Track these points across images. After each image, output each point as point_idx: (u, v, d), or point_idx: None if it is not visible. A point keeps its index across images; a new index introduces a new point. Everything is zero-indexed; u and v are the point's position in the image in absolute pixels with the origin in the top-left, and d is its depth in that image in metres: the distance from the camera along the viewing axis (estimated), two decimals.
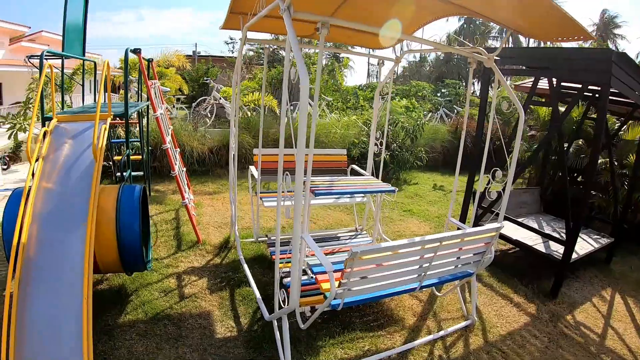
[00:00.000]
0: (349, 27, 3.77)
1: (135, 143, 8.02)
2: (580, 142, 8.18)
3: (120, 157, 7.64)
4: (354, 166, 5.93)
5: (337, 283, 3.12)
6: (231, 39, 17.45)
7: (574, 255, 5.68)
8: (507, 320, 4.85)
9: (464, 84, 28.27)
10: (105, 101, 5.20)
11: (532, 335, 4.60)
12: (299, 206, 2.91)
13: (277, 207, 3.54)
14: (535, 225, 6.77)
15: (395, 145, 10.12)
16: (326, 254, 4.79)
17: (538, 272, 6.04)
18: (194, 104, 11.73)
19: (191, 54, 23.54)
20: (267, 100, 10.12)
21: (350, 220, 7.37)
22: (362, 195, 5.65)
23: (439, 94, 19.85)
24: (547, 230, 6.57)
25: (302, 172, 2.74)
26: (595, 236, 6.77)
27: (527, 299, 5.35)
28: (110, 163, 7.73)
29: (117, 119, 6.53)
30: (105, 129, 4.53)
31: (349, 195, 5.54)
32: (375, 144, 5.72)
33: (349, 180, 5.00)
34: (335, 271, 3.04)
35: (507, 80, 4.49)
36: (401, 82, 33.58)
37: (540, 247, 5.79)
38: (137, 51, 5.77)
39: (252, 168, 5.61)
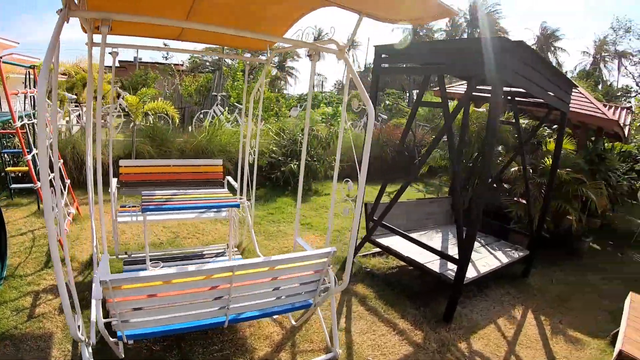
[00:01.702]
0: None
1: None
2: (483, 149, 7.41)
3: (15, 169, 6.88)
4: (229, 178, 5.17)
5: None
6: (164, 44, 16.85)
7: (473, 274, 4.88)
8: (382, 352, 4.03)
9: (407, 94, 27.55)
10: None
11: None
12: (51, 224, 2.27)
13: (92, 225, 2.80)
14: (439, 238, 5.98)
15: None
16: None
17: (437, 293, 5.19)
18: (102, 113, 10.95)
19: (132, 59, 22.83)
20: (164, 108, 9.23)
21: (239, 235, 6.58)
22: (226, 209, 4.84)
23: (381, 104, 19.10)
24: (451, 244, 5.78)
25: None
26: (508, 249, 5.97)
27: (415, 324, 4.53)
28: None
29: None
30: None
31: (214, 210, 4.71)
32: (250, 153, 4.96)
33: (195, 194, 4.23)
34: None
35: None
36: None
37: (434, 266, 4.96)
38: None
39: (114, 181, 4.86)
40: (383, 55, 5.15)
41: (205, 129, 9.08)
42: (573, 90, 7.78)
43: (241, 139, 4.98)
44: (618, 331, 4.29)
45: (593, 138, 8.58)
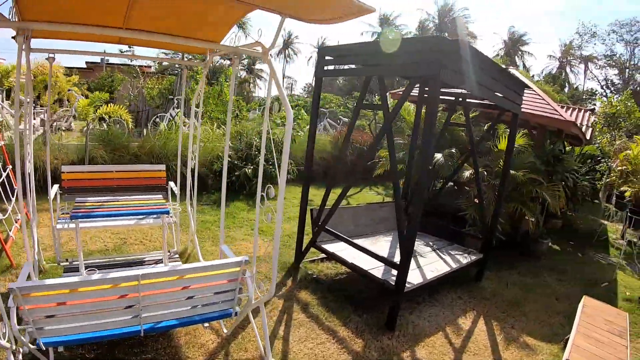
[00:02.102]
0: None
1: None
2: (446, 151, 7.36)
3: None
4: (172, 183, 5.03)
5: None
6: (129, 47, 16.66)
7: (419, 280, 4.78)
8: None
9: (375, 96, 27.57)
10: None
11: None
12: None
13: None
14: (387, 244, 5.87)
15: (259, 158, 8.93)
16: None
17: (383, 300, 5.02)
18: (53, 116, 10.68)
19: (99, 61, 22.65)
20: (118, 112, 9.00)
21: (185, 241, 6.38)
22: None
23: (349, 107, 19.06)
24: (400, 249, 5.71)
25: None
26: (460, 253, 5.89)
27: (357, 332, 4.40)
28: None
29: None
30: None
31: (154, 216, 4.55)
32: (191, 158, 4.83)
33: (127, 201, 4.10)
34: None
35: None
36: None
37: (378, 272, 4.84)
38: None
39: (54, 187, 4.71)
40: (327, 57, 5.06)
41: (161, 133, 8.87)
42: (530, 92, 7.79)
43: (179, 143, 4.83)
44: None
45: (554, 139, 8.61)
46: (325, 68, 5.14)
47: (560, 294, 6.11)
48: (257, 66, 48.35)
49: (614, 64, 34.30)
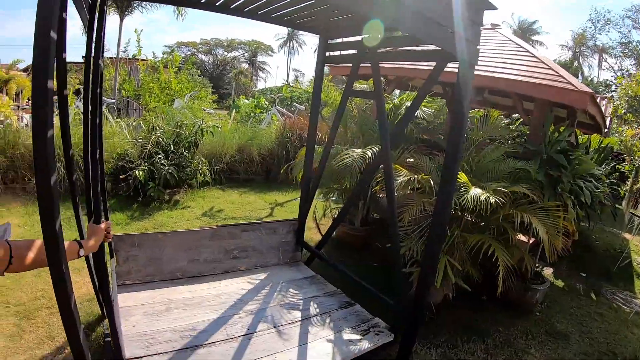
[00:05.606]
0: None
1: None
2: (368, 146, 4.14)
3: None
4: None
5: None
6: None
7: None
8: None
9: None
10: None
11: None
12: None
13: None
14: (228, 302, 2.74)
15: (160, 156, 5.98)
16: None
17: None
18: None
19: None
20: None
21: None
22: None
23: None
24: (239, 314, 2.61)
25: None
26: (350, 329, 2.71)
27: None
28: None
29: None
30: None
31: None
32: None
33: None
34: None
35: None
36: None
37: None
38: None
39: None
40: None
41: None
42: (520, 50, 4.62)
43: None
44: None
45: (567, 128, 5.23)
46: None
47: None
48: (259, 58, 45.23)
49: (630, 53, 28.30)
